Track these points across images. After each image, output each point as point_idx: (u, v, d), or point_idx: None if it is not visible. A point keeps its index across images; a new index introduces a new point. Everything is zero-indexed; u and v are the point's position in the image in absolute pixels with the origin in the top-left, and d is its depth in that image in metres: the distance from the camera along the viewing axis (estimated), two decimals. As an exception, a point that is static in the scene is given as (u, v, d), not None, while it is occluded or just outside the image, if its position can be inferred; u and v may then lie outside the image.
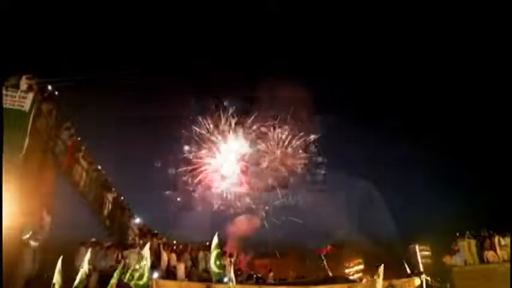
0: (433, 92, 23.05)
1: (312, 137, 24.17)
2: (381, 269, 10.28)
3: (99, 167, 13.87)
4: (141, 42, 22.68)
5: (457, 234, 15.45)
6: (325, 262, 15.62)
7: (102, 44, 21.08)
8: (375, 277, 10.26)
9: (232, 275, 9.60)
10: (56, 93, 10.77)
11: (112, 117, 19.35)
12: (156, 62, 22.91)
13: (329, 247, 15.79)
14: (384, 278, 10.46)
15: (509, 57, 19.14)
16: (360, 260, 19.14)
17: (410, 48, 23.31)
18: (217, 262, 9.37)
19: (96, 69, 17.39)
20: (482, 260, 14.56)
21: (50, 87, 10.88)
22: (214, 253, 9.36)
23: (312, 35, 23.83)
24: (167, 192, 23.16)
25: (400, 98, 23.72)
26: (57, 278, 8.85)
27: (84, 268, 9.36)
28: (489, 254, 14.30)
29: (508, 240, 14.46)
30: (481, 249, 14.89)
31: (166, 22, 23.14)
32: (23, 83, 10.11)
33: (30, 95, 9.94)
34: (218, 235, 10.05)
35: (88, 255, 9.84)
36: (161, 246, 12.69)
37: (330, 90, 23.27)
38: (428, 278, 11.01)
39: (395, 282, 11.33)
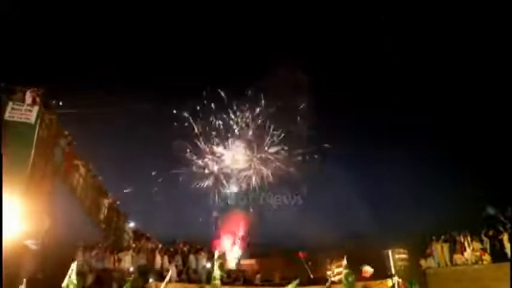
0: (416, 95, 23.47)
1: None
2: None
3: (96, 173, 14.50)
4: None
5: (433, 237, 16.65)
6: (308, 264, 16.51)
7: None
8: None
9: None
10: (60, 103, 11.37)
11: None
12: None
13: (302, 253, 16.76)
14: (359, 280, 11.44)
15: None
16: (341, 263, 20.10)
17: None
18: (219, 271, 10.25)
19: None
20: (453, 262, 15.77)
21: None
22: (217, 263, 10.20)
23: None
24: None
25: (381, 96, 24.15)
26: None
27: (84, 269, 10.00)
28: (457, 257, 15.51)
29: (475, 244, 15.68)
30: (452, 252, 16.11)
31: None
32: (28, 97, 10.72)
33: (36, 108, 10.53)
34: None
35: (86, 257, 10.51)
36: (157, 250, 13.43)
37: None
38: (400, 280, 12.06)
39: (370, 283, 12.30)
